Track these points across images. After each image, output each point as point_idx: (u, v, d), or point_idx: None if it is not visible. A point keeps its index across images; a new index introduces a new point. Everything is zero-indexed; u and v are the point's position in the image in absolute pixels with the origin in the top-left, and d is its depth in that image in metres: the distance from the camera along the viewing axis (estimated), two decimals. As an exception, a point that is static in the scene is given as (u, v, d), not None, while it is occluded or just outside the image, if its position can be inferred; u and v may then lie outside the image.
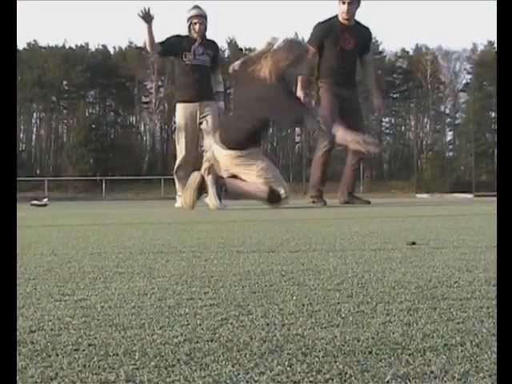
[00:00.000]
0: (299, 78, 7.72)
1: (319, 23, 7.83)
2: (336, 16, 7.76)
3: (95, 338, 0.87)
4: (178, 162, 7.90)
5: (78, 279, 1.47)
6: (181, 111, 7.89)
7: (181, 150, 7.85)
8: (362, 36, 7.86)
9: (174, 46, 7.82)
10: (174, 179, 8.10)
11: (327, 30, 7.74)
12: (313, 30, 7.84)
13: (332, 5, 7.92)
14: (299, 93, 7.57)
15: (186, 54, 7.84)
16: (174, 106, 8.16)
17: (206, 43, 7.95)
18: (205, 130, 7.80)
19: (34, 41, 57.66)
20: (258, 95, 6.03)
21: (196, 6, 7.94)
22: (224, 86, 8.69)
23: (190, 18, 7.85)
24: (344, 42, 7.70)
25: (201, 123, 7.84)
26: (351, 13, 7.67)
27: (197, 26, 7.86)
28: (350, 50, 7.72)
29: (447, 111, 59.34)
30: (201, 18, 7.88)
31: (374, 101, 8.28)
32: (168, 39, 7.84)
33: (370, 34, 8.12)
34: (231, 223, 3.91)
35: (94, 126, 52.33)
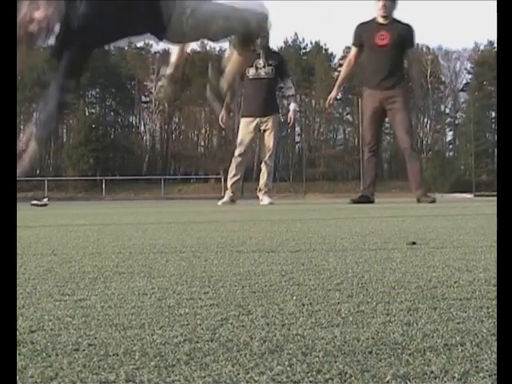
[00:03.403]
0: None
1: (358, 24, 7.98)
2: (375, 18, 7.86)
3: (95, 338, 0.87)
4: (233, 169, 8.55)
5: (78, 279, 1.47)
6: (242, 125, 8.53)
7: (237, 155, 8.53)
8: (399, 32, 7.81)
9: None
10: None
11: (364, 29, 7.85)
12: (353, 32, 8.03)
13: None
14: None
15: (249, 69, 8.37)
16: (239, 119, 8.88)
17: (269, 55, 8.46)
18: (263, 145, 8.57)
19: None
20: None
21: None
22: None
23: None
24: (379, 38, 7.72)
25: (264, 132, 8.53)
26: (387, 10, 7.67)
27: (258, 40, 8.27)
28: (385, 45, 7.71)
29: (447, 111, 59.34)
30: None
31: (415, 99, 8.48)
32: None
33: (410, 29, 7.98)
34: (231, 223, 3.91)
35: (94, 126, 52.33)
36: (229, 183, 8.64)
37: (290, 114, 8.84)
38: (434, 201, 7.75)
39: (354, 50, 8.05)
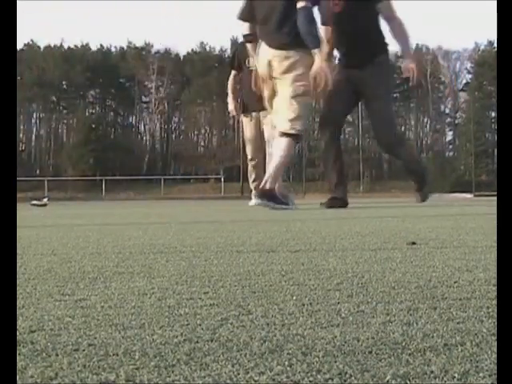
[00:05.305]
0: None
1: None
2: None
3: (95, 338, 0.87)
4: (250, 168, 8.21)
5: (78, 279, 1.47)
6: (246, 123, 8.10)
7: (250, 159, 8.15)
8: None
9: (236, 60, 8.02)
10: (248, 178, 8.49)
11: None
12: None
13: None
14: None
15: (249, 59, 7.70)
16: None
17: None
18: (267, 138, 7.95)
19: (32, 40, 57.68)
20: None
21: None
22: None
23: None
24: (334, 5, 5.99)
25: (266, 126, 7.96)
26: None
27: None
28: (341, 11, 5.96)
29: (447, 111, 59.39)
30: None
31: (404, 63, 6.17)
32: (232, 56, 8.21)
33: None
34: (231, 223, 3.91)
35: (93, 126, 52.37)
36: (252, 187, 8.08)
37: None
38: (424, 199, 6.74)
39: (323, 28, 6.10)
